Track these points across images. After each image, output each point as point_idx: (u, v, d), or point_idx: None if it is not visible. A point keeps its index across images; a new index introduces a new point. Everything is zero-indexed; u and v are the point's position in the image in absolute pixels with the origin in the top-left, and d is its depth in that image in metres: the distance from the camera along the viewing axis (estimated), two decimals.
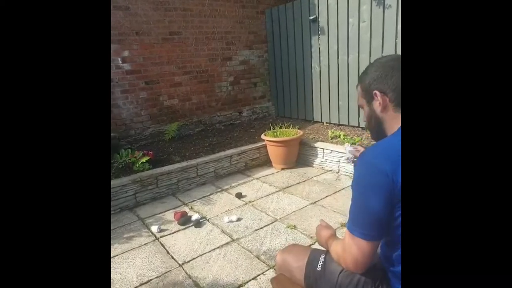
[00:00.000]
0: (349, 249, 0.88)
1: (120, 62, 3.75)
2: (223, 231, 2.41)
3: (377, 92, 0.93)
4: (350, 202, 0.90)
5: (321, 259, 1.10)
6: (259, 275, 1.89)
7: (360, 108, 1.05)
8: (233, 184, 3.33)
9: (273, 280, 1.22)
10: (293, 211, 2.65)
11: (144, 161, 3.11)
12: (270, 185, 3.24)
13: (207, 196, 3.08)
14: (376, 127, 0.98)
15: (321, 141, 3.71)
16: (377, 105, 0.94)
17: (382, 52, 3.46)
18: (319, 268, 1.08)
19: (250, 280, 1.85)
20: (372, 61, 3.80)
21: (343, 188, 3.03)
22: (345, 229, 0.92)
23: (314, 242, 2.18)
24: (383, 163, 0.81)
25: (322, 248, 1.16)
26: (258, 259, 2.05)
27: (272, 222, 2.50)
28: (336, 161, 3.44)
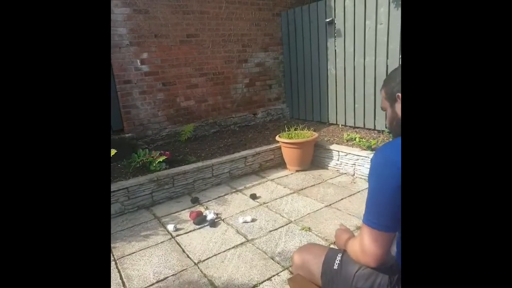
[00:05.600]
0: (366, 241, 0.90)
1: (139, 63, 3.83)
2: (238, 232, 2.43)
3: (400, 95, 0.96)
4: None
5: (338, 258, 1.11)
6: (273, 275, 1.90)
7: (383, 111, 1.09)
8: (247, 185, 3.35)
9: (289, 280, 1.23)
10: (308, 213, 2.65)
11: (161, 160, 3.17)
12: (284, 187, 3.25)
13: (222, 196, 3.11)
14: (397, 129, 1.01)
15: (336, 143, 3.69)
16: (399, 107, 0.98)
17: (399, 55, 3.42)
18: (335, 267, 1.09)
19: (264, 281, 1.87)
20: (389, 64, 3.68)
21: (358, 191, 3.01)
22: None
23: (329, 245, 2.17)
24: (394, 155, 0.84)
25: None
26: (273, 260, 2.06)
27: (287, 224, 2.50)
28: (351, 163, 3.41)
